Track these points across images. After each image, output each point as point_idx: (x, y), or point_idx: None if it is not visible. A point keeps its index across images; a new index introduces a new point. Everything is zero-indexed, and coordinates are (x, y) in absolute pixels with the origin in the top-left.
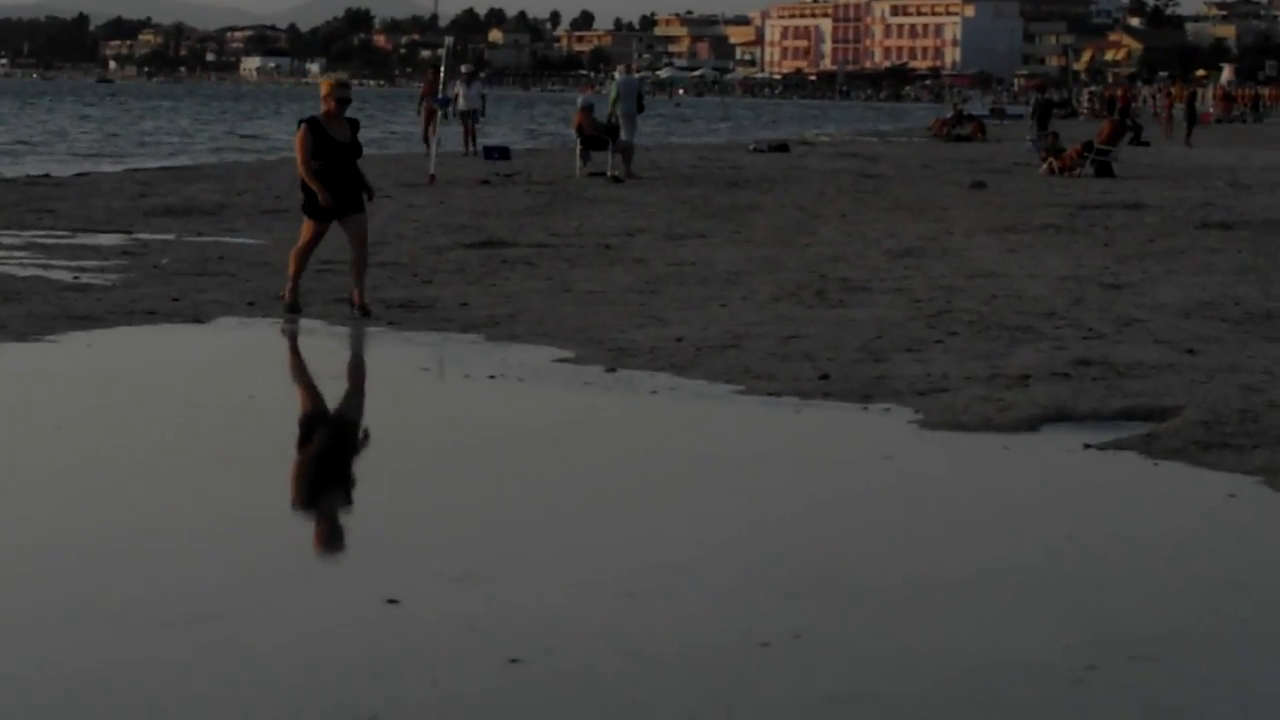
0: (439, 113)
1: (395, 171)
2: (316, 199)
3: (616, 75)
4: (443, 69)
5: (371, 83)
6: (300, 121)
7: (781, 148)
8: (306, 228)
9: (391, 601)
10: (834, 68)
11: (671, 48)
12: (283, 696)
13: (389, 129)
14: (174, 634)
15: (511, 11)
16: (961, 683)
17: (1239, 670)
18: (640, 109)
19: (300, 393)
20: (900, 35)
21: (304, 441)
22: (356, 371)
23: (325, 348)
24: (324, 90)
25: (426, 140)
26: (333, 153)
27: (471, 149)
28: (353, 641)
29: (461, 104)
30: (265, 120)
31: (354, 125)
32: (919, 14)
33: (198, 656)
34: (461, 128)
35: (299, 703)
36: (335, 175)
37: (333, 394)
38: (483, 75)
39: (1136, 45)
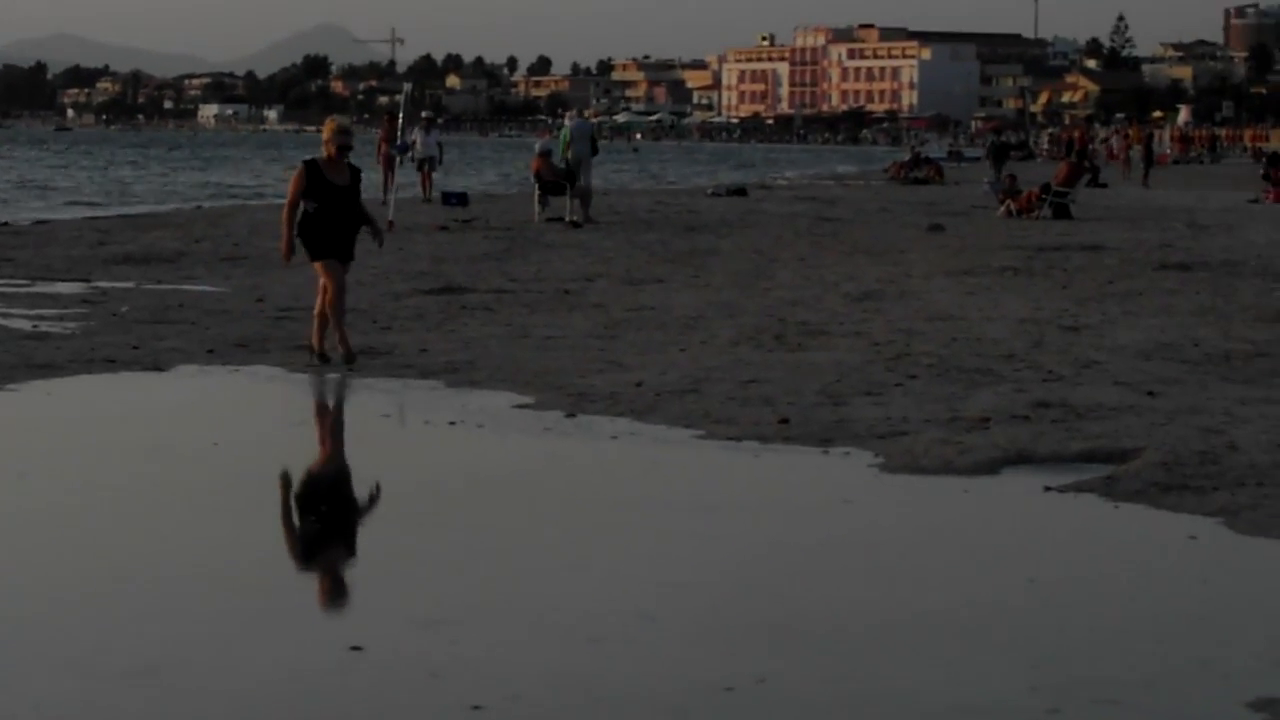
0: (398, 160)
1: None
2: (317, 240)
3: (568, 120)
4: (400, 115)
5: None
6: (301, 162)
7: (739, 191)
8: (321, 272)
9: (356, 649)
10: (791, 111)
11: (629, 92)
12: None
13: None
14: (133, 683)
15: (469, 57)
16: None
17: (1200, 713)
18: (594, 152)
19: (262, 441)
20: (857, 78)
21: (267, 489)
22: (318, 418)
23: (285, 395)
24: (325, 134)
25: (385, 188)
26: (329, 196)
27: (429, 196)
28: (316, 689)
29: (419, 150)
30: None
31: (354, 172)
32: (875, 57)
33: (157, 706)
34: (419, 174)
35: None
36: (329, 220)
37: (294, 441)
38: (440, 121)
39: (1093, 87)
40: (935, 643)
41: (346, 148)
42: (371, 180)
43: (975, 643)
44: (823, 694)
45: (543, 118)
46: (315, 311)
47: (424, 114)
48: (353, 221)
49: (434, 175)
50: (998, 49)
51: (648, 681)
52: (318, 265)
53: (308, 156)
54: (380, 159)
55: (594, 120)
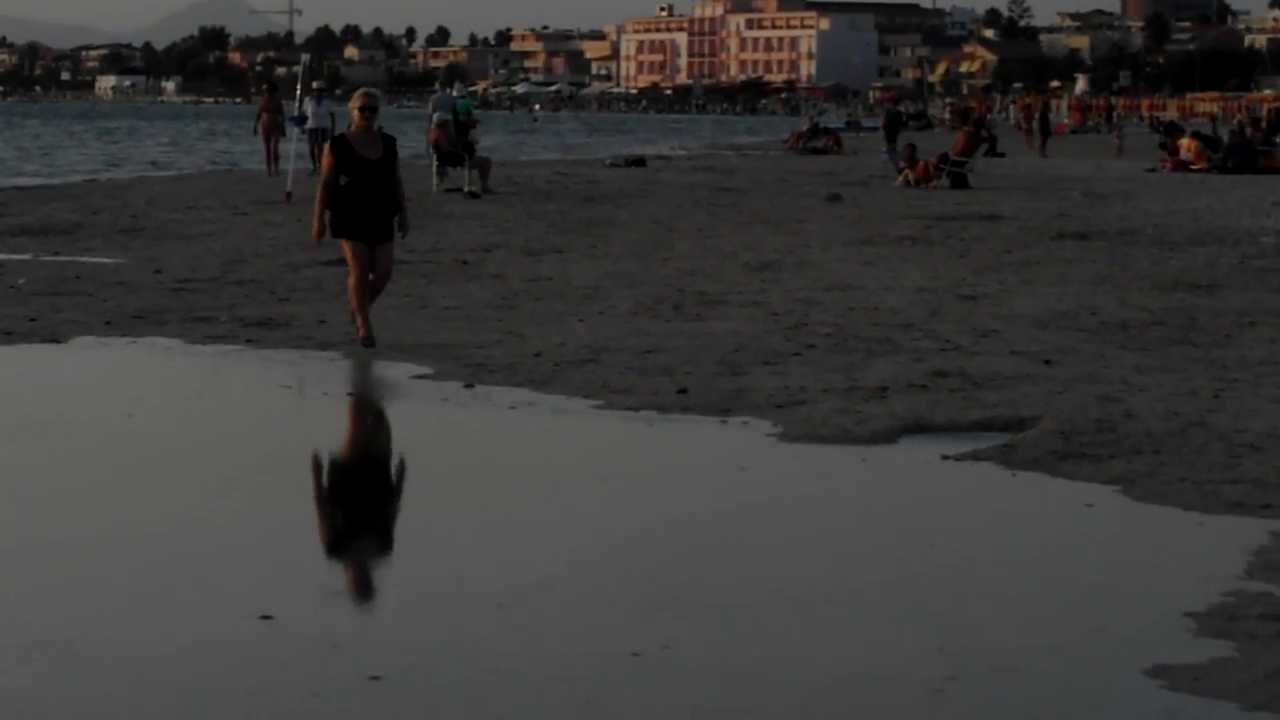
0: (295, 131)
1: (251, 189)
2: (345, 218)
3: (436, 93)
4: (299, 86)
5: (228, 100)
6: (330, 139)
7: (638, 162)
8: (346, 251)
9: (266, 617)
10: (690, 82)
11: (527, 63)
12: (135, 716)
13: (243, 146)
14: (34, 655)
15: (367, 28)
16: (823, 695)
17: (1096, 679)
18: (472, 124)
19: (161, 412)
20: (756, 49)
21: (169, 462)
22: (216, 390)
23: (183, 367)
24: (352, 105)
25: (269, 159)
26: (360, 171)
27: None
28: (219, 659)
29: (310, 122)
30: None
31: (388, 142)
32: (774, 27)
33: (56, 677)
34: (310, 146)
35: None
36: (362, 196)
37: (193, 413)
38: (338, 92)
39: (991, 57)
40: (835, 610)
41: (372, 109)
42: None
43: (874, 611)
44: (726, 661)
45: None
46: (354, 306)
47: (315, 84)
48: (386, 198)
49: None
50: (896, 19)
51: (548, 650)
52: (343, 245)
53: (338, 131)
54: (261, 130)
55: (470, 90)
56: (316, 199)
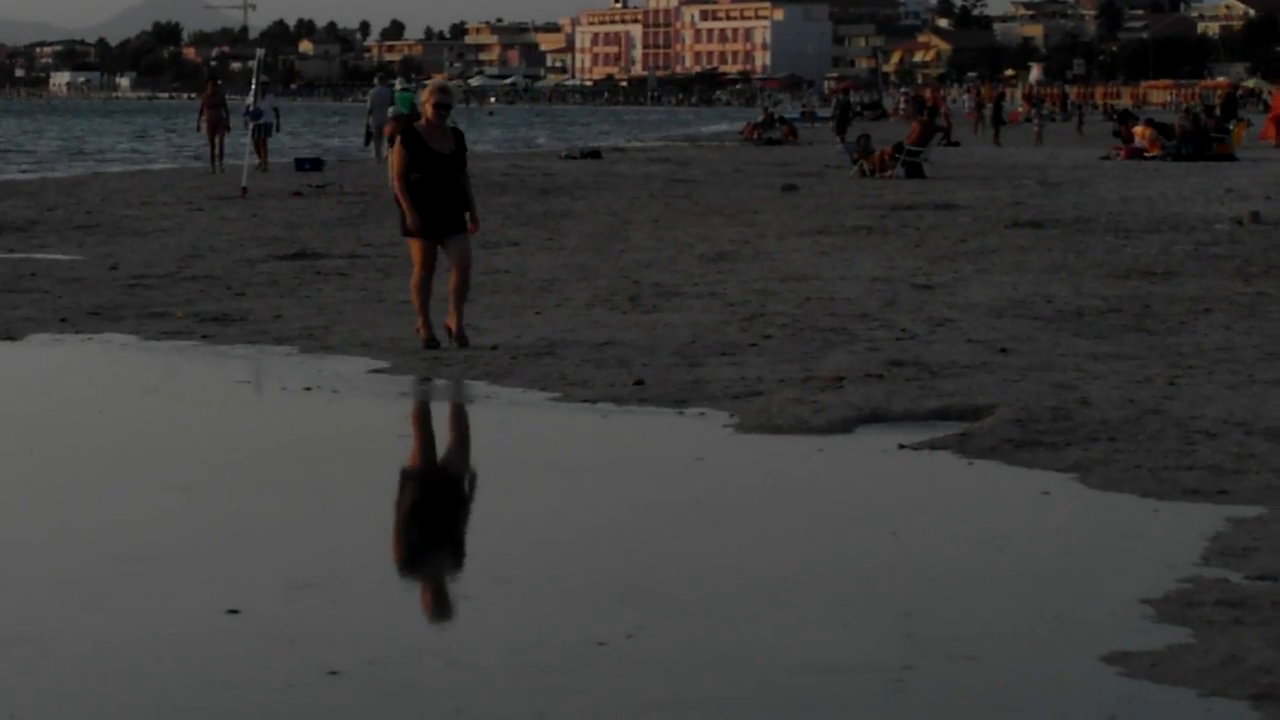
0: (226, 125)
1: (207, 184)
2: (417, 214)
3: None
4: (254, 81)
5: (184, 95)
6: (398, 132)
7: (594, 154)
8: (413, 251)
9: (233, 612)
10: (645, 73)
11: (482, 56)
12: (96, 711)
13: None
14: (2, 651)
15: (321, 22)
16: (782, 684)
17: (1054, 666)
18: (415, 117)
19: (119, 409)
20: (710, 40)
21: (129, 457)
22: (172, 386)
23: (139, 363)
24: (424, 96)
25: (212, 155)
26: (431, 165)
27: (263, 163)
28: (182, 655)
29: (253, 117)
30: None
31: (458, 136)
32: (728, 18)
33: (25, 672)
34: (253, 141)
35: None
36: (434, 190)
37: (149, 410)
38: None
39: (945, 46)
40: (793, 600)
41: (446, 106)
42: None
43: (832, 600)
44: (685, 653)
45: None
46: (416, 305)
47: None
48: (458, 193)
49: (269, 141)
50: (850, 9)
51: (507, 643)
52: (410, 244)
53: (406, 125)
54: (204, 125)
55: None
56: (399, 194)
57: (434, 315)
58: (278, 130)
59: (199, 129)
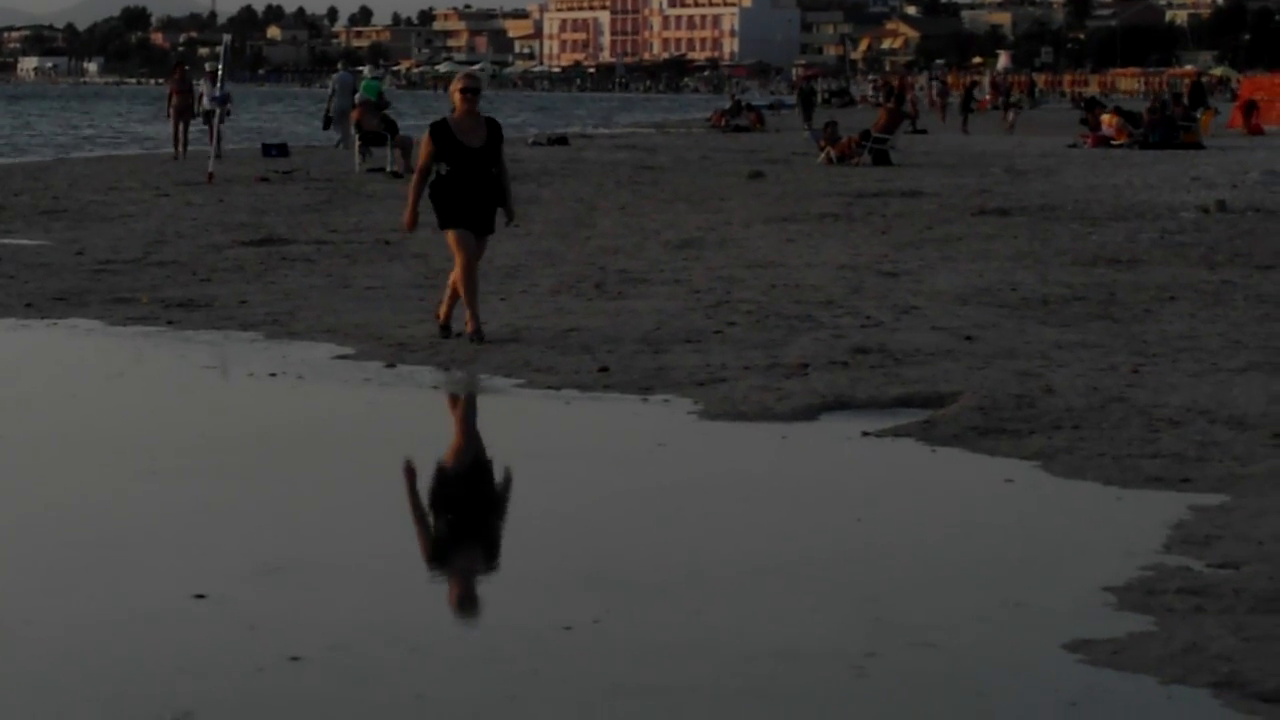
0: (191, 111)
1: (173, 170)
2: (448, 207)
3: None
4: (221, 67)
5: (151, 81)
6: (429, 125)
7: (560, 140)
8: (451, 242)
9: (199, 596)
10: (613, 60)
11: (450, 42)
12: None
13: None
14: None
15: (290, 8)
16: (745, 670)
17: (1017, 655)
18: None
19: (84, 394)
20: (678, 26)
21: (95, 442)
22: (138, 371)
23: (105, 348)
24: (453, 88)
25: (176, 141)
26: (462, 158)
27: (216, 150)
28: (143, 641)
29: (205, 103)
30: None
31: (492, 127)
32: (696, 5)
33: None
34: (205, 128)
35: (75, 701)
36: (465, 185)
37: (115, 395)
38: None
39: (913, 34)
40: (755, 587)
41: (474, 91)
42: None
43: (794, 587)
44: (650, 638)
45: (361, 69)
46: (450, 281)
47: (207, 66)
48: (491, 187)
49: (220, 128)
50: None
51: (470, 629)
52: (448, 235)
53: (436, 118)
54: (170, 112)
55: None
56: (411, 187)
57: (405, 311)
58: (228, 116)
59: (168, 115)
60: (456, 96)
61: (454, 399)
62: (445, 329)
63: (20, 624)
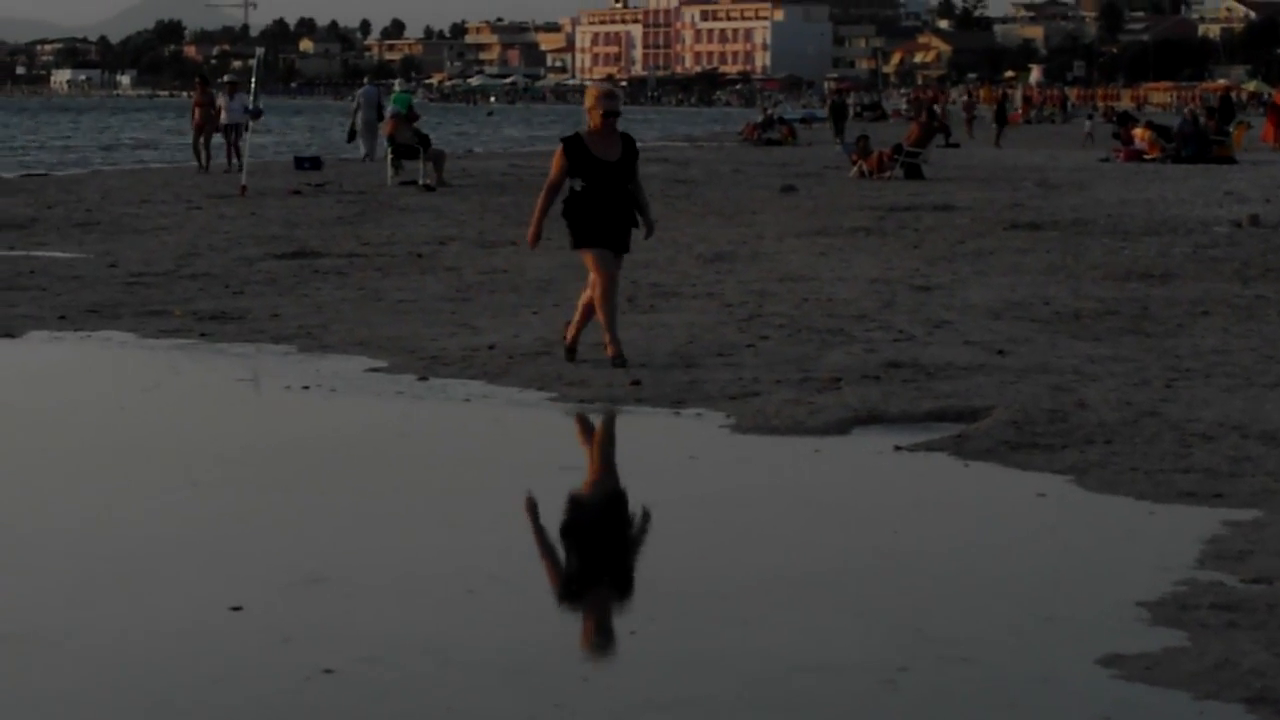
0: (214, 125)
1: (205, 183)
2: (583, 225)
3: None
4: (254, 80)
5: (184, 94)
6: (561, 139)
7: None
8: (588, 263)
9: (236, 609)
10: (645, 73)
11: (482, 55)
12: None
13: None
14: (3, 649)
15: (322, 21)
16: (776, 684)
17: (1048, 668)
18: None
19: (117, 407)
20: (710, 40)
21: (131, 454)
22: (172, 383)
23: (138, 361)
24: (589, 103)
25: (197, 152)
26: (597, 173)
27: (234, 165)
28: (178, 653)
29: (224, 117)
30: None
31: (628, 143)
32: (729, 19)
33: (25, 669)
34: (224, 142)
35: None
36: (598, 201)
37: (150, 407)
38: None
39: (945, 47)
40: (787, 601)
41: (614, 114)
42: (217, 145)
43: (826, 602)
44: (682, 651)
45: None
46: (580, 301)
47: (227, 78)
48: (626, 204)
49: (241, 144)
50: (850, 10)
51: (500, 642)
52: (585, 256)
53: (567, 133)
54: (194, 125)
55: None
56: (538, 202)
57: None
58: (247, 130)
59: (191, 127)
60: (596, 117)
61: (486, 413)
62: (571, 352)
63: (60, 636)
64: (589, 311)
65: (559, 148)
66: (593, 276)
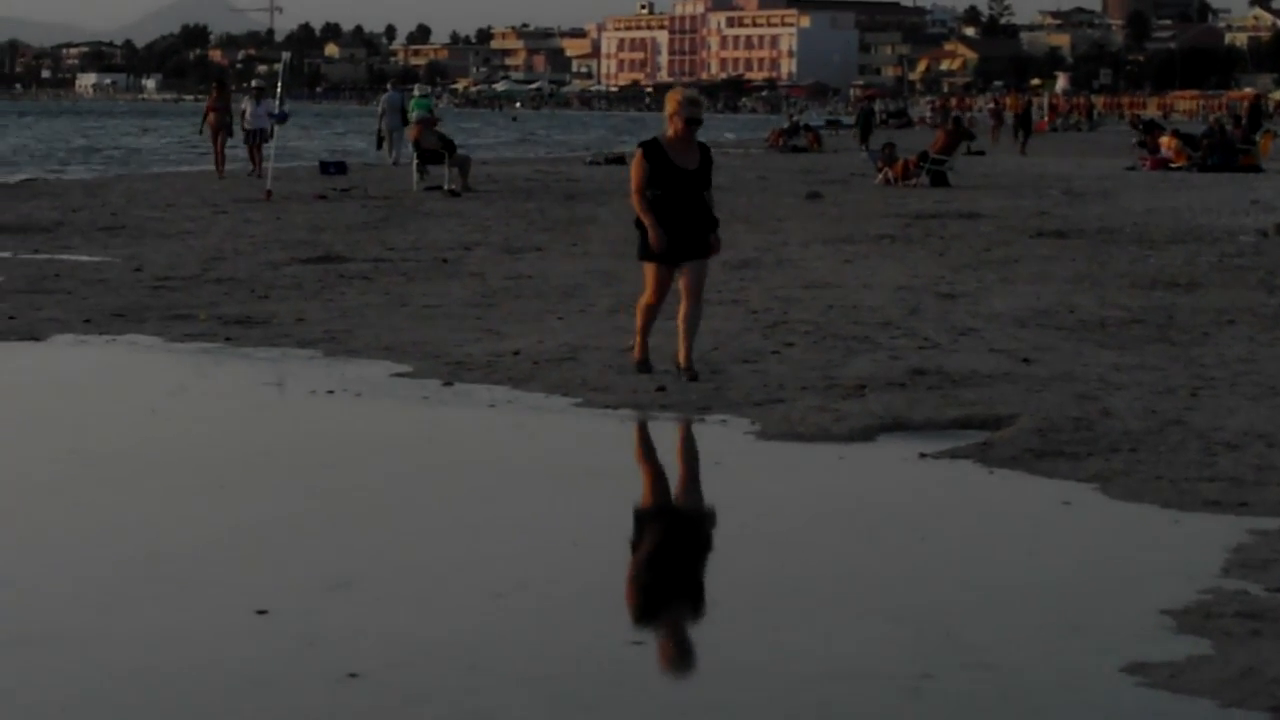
0: (228, 129)
1: (231, 188)
2: (648, 238)
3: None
4: (280, 84)
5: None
6: (639, 144)
7: (618, 160)
8: (646, 275)
9: (262, 612)
10: (670, 79)
11: (508, 60)
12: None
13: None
14: (28, 651)
15: (348, 26)
16: (800, 692)
17: (1073, 676)
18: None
19: (143, 408)
20: (736, 46)
21: (159, 457)
22: (198, 387)
23: (164, 364)
24: (670, 108)
25: (218, 160)
26: (673, 181)
27: (257, 171)
28: (204, 657)
29: (248, 122)
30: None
31: (704, 152)
32: (755, 25)
33: (50, 673)
34: (247, 147)
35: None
36: (674, 208)
37: (177, 410)
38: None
39: (971, 55)
40: (810, 608)
41: (696, 122)
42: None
43: (850, 609)
44: (706, 657)
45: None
46: (638, 317)
47: (253, 83)
48: (701, 211)
49: (264, 149)
50: (876, 17)
51: (526, 647)
52: (645, 267)
53: (646, 137)
54: (209, 129)
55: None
56: (640, 210)
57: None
58: (271, 137)
59: (200, 132)
60: (678, 122)
61: (510, 418)
62: (643, 365)
63: (87, 639)
64: (649, 315)
65: (638, 152)
66: (647, 290)
